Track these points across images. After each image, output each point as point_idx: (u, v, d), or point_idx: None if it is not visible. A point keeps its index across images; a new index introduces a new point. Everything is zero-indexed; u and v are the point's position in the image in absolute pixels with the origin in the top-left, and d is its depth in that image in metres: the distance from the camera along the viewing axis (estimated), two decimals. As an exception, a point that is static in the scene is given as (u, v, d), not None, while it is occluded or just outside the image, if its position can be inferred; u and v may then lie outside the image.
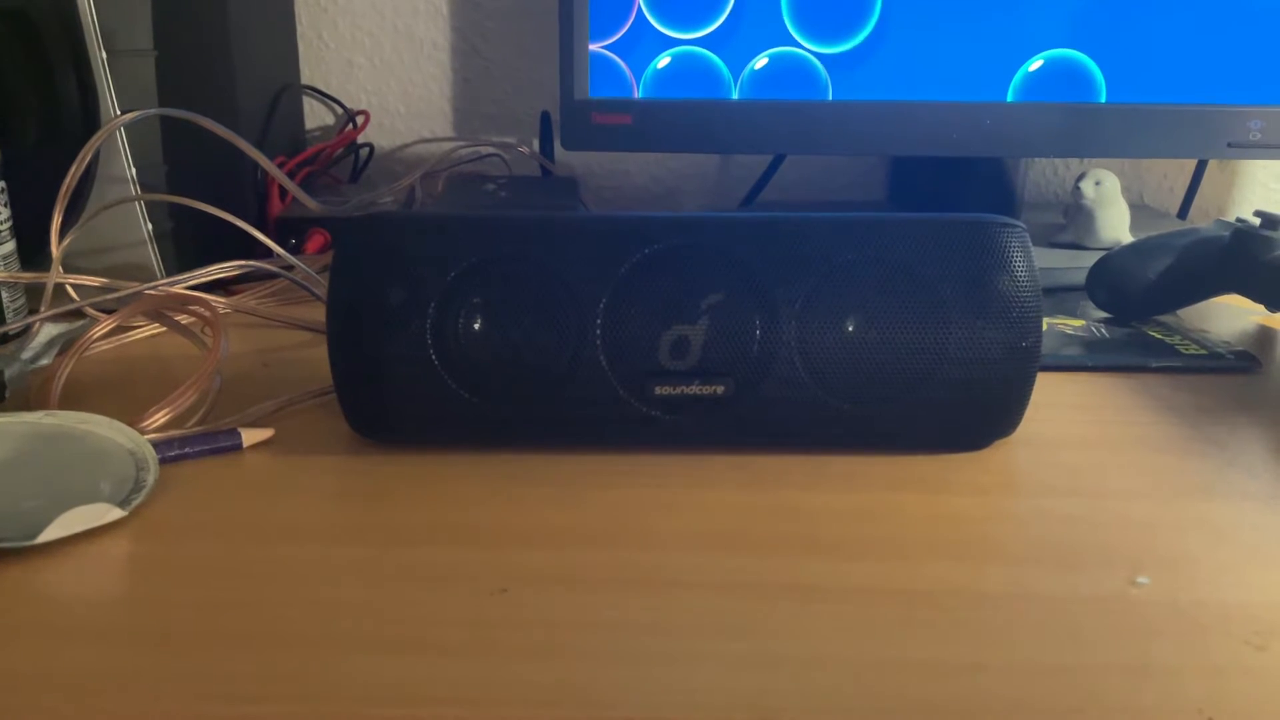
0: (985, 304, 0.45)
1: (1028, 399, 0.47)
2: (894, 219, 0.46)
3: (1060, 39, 0.70)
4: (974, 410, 0.47)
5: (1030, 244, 0.46)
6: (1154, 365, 0.58)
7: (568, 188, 0.84)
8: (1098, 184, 0.73)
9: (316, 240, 0.73)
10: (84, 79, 0.61)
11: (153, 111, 0.62)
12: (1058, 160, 0.92)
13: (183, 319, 0.58)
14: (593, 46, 0.72)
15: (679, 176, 0.95)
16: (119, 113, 0.61)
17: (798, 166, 0.91)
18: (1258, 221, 0.60)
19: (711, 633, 0.35)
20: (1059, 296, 0.68)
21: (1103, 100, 0.71)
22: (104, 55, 0.61)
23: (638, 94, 0.72)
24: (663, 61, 0.71)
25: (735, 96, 0.72)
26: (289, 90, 0.86)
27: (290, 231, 0.73)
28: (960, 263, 0.45)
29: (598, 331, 0.45)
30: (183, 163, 0.65)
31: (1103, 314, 0.65)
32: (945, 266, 0.45)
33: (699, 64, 0.71)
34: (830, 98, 0.71)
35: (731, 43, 0.71)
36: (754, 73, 0.68)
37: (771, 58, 0.66)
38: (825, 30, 0.70)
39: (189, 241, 0.66)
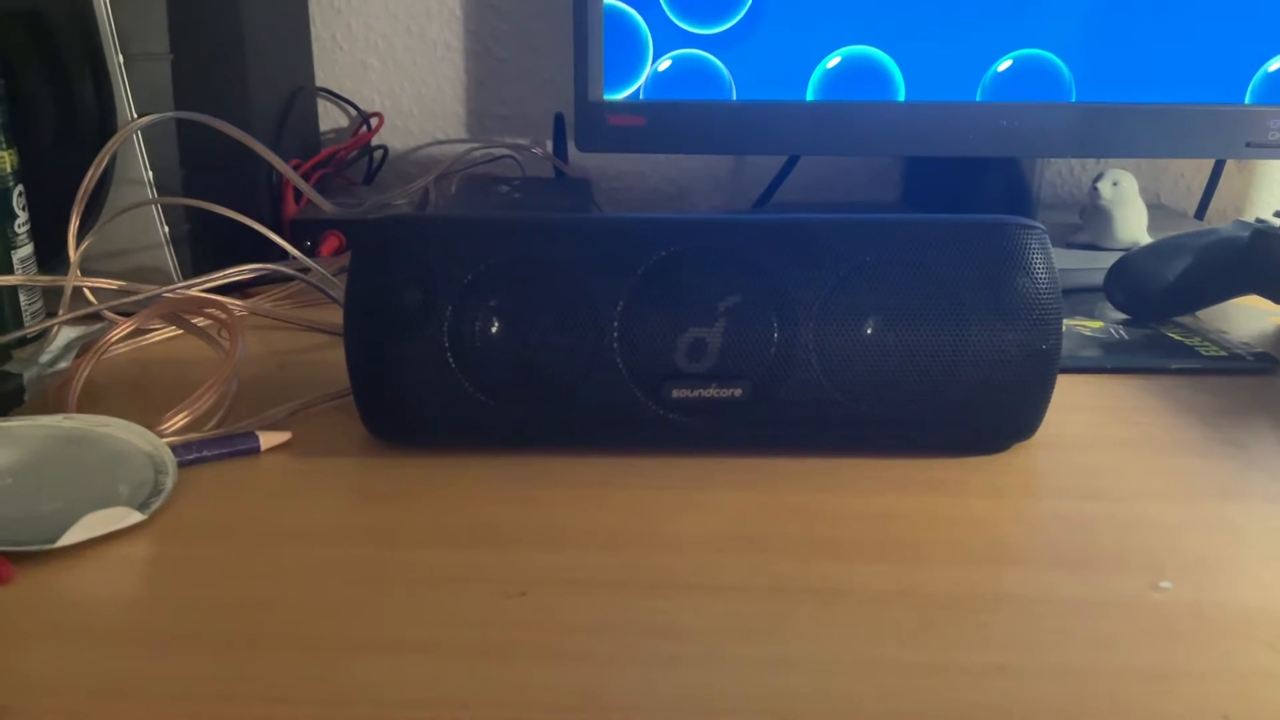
0: (1004, 306, 0.45)
1: (1047, 401, 0.47)
2: (912, 220, 0.46)
3: (1077, 38, 0.70)
4: (993, 412, 0.46)
5: (1050, 245, 0.46)
6: (1173, 367, 0.58)
7: (581, 189, 0.84)
8: (1115, 184, 0.72)
9: (331, 243, 0.73)
10: (100, 83, 0.61)
11: (169, 115, 0.62)
12: (1074, 160, 0.92)
13: (199, 322, 0.58)
14: None
15: (692, 177, 0.94)
16: (135, 116, 0.62)
17: (811, 167, 0.91)
18: (1277, 222, 0.60)
19: (730, 636, 0.35)
20: (1076, 297, 0.68)
21: (1120, 100, 0.71)
22: (120, 59, 0.61)
23: (653, 63, 0.71)
24: (663, 64, 0.71)
25: (735, 97, 0.72)
26: (303, 93, 0.86)
27: (305, 234, 0.73)
28: (979, 264, 0.45)
29: (614, 334, 0.45)
30: (198, 166, 0.66)
31: (1121, 315, 0.65)
32: (964, 268, 0.45)
33: (701, 67, 0.71)
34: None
35: (751, 40, 0.71)
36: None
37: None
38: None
39: (205, 245, 0.67)
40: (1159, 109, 0.71)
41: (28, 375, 0.53)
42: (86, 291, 0.60)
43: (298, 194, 0.76)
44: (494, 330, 0.46)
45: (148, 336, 0.61)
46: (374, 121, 0.92)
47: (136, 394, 0.54)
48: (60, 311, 0.58)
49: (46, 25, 0.60)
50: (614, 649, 0.35)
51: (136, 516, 0.41)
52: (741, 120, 0.72)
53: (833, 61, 0.69)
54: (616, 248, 0.46)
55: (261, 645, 0.35)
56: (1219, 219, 0.90)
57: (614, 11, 0.71)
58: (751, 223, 0.46)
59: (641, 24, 0.70)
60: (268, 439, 0.48)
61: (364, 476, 0.46)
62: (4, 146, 0.57)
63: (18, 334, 0.57)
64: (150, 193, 0.63)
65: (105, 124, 0.62)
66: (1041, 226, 0.46)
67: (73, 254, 0.60)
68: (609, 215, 0.54)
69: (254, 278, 0.62)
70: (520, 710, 0.32)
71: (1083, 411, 0.53)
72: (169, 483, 0.43)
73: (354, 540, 0.41)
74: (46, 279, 0.59)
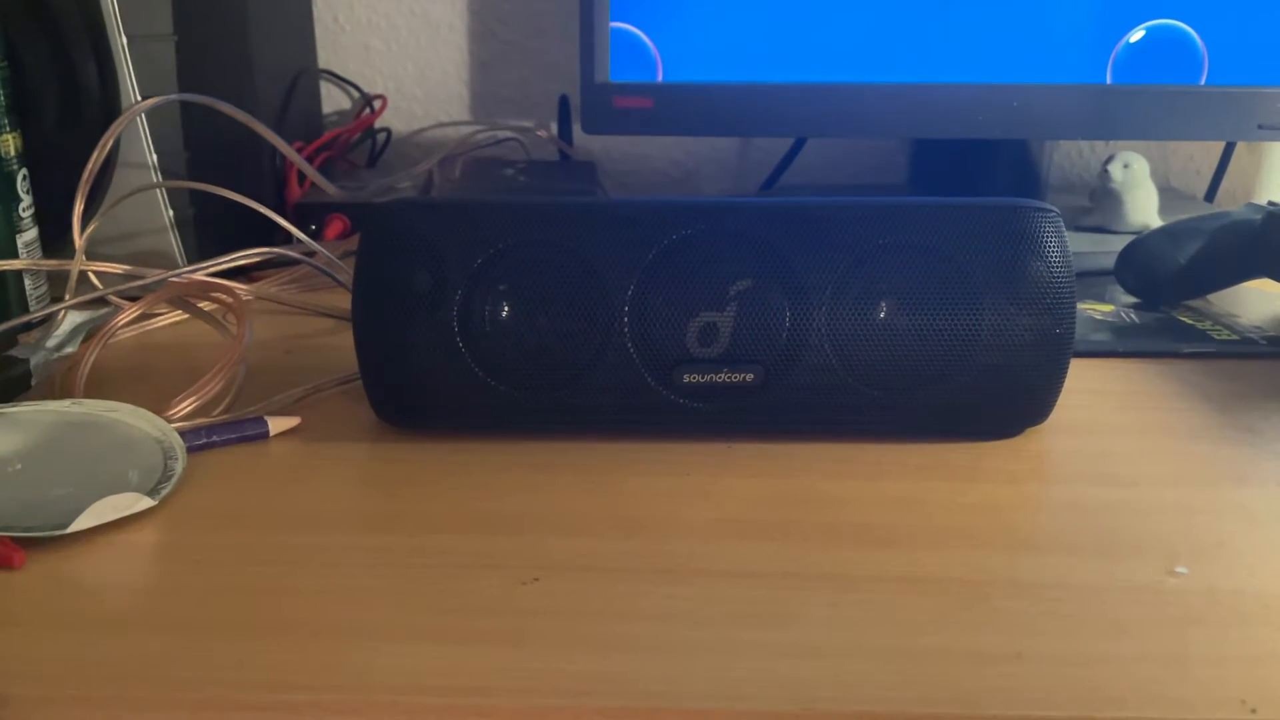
0: (1018, 290, 0.45)
1: (1060, 386, 0.47)
2: (926, 203, 0.46)
3: (1090, 16, 0.69)
4: (1006, 397, 0.46)
5: (1064, 229, 0.45)
6: (1186, 351, 0.57)
7: (586, 172, 0.84)
8: (1126, 166, 0.72)
9: (336, 226, 0.73)
10: (104, 64, 0.61)
11: (174, 97, 0.62)
12: (1082, 142, 0.91)
13: (205, 306, 0.58)
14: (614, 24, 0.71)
15: (698, 160, 0.94)
16: (139, 98, 0.61)
17: (818, 149, 0.90)
18: (1290, 204, 0.59)
19: (745, 621, 0.35)
20: (1085, 281, 0.67)
21: (1135, 81, 0.70)
22: (124, 40, 0.60)
23: (661, 74, 0.71)
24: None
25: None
26: (306, 74, 0.86)
27: (309, 218, 0.73)
28: (993, 248, 0.45)
29: (625, 318, 0.45)
30: (202, 149, 0.65)
31: (1132, 299, 0.64)
32: (978, 252, 0.45)
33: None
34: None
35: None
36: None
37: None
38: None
39: (209, 228, 0.66)
40: (1169, 91, 0.70)
41: (34, 360, 0.52)
42: (92, 276, 0.60)
43: (301, 177, 0.76)
44: (504, 314, 0.45)
45: (153, 321, 0.61)
46: (377, 104, 0.92)
47: (143, 379, 0.54)
48: (66, 296, 0.57)
49: (49, 7, 0.60)
50: (629, 635, 0.34)
51: (147, 502, 0.41)
52: (749, 102, 0.72)
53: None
54: (627, 231, 0.45)
55: (273, 632, 0.34)
56: (1228, 201, 0.89)
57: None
58: (763, 206, 0.46)
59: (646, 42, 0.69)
60: (276, 424, 0.48)
61: (373, 462, 0.46)
62: (7, 129, 0.57)
63: (24, 319, 0.57)
64: (154, 176, 0.63)
65: (109, 106, 0.61)
66: (1056, 210, 0.46)
67: (78, 238, 0.59)
68: (620, 199, 0.54)
69: (257, 262, 0.62)
70: (535, 696, 0.32)
71: (1095, 396, 0.52)
72: (179, 468, 0.43)
73: (364, 526, 0.41)
74: (52, 263, 0.59)
